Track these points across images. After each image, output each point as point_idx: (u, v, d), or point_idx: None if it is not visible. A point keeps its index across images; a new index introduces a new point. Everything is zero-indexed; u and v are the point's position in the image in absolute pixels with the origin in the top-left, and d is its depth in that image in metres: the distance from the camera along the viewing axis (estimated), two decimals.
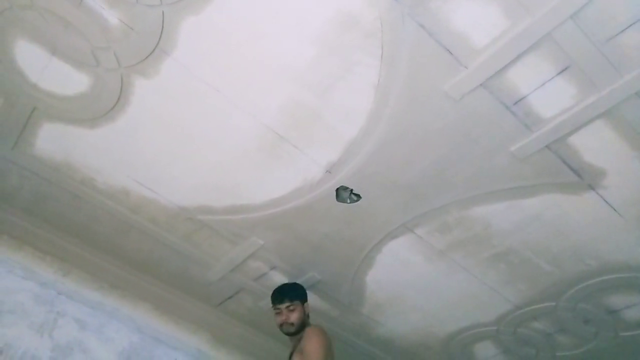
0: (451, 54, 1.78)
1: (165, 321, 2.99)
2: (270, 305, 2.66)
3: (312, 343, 2.38)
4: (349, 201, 2.37)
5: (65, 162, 2.41)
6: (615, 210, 2.22)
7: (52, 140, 2.33)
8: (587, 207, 2.23)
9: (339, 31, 1.78)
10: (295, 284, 2.76)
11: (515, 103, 1.90)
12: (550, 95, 1.85)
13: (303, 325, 2.55)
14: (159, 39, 1.88)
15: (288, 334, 2.58)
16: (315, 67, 1.90)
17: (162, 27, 1.84)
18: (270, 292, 2.68)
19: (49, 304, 2.61)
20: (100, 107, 2.15)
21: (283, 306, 2.57)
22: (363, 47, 1.81)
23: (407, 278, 2.77)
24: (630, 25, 1.63)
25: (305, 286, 2.88)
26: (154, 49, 1.91)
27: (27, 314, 2.52)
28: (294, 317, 2.54)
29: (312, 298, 2.98)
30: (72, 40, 1.92)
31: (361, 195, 2.35)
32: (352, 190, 2.33)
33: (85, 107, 2.17)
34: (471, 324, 3.00)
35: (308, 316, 2.62)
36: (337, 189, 2.33)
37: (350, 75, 1.90)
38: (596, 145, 1.99)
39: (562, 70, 1.78)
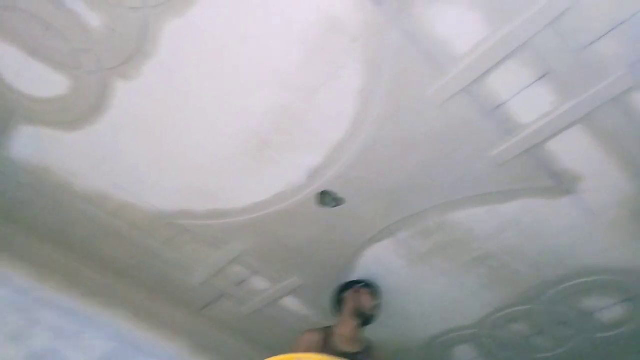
0: (433, 59, 1.80)
1: (145, 327, 2.93)
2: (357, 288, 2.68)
3: None
4: (331, 206, 2.37)
5: (42, 165, 2.35)
6: (591, 214, 2.28)
7: (29, 143, 2.28)
8: (564, 211, 2.28)
9: (324, 35, 1.79)
10: None
11: (496, 108, 1.94)
12: (529, 101, 1.90)
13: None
14: (142, 41, 1.86)
15: (367, 322, 2.61)
16: (300, 71, 1.90)
17: (145, 29, 1.82)
18: (251, 297, 2.66)
19: (24, 311, 2.53)
20: (79, 110, 2.11)
21: (378, 296, 2.69)
22: (347, 51, 1.82)
23: (388, 282, 2.78)
24: (606, 33, 1.68)
25: (287, 291, 2.88)
26: (136, 52, 1.89)
27: (1, 323, 2.44)
28: None
29: (293, 303, 2.98)
30: (52, 41, 1.88)
31: (344, 200, 2.35)
32: (335, 194, 2.34)
33: (64, 110, 2.12)
34: (451, 327, 3.03)
35: None
36: (320, 194, 2.33)
37: (334, 79, 1.91)
38: (573, 150, 2.04)
39: (541, 77, 1.82)
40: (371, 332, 3.10)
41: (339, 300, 2.71)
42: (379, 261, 2.67)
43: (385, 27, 1.74)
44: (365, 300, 2.61)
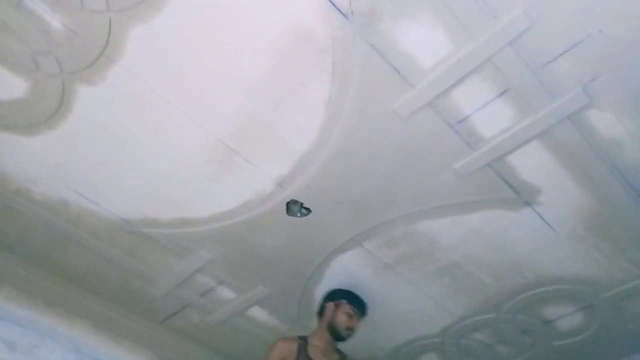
0: (400, 73, 1.84)
1: (105, 339, 2.85)
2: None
3: None
4: (299, 215, 2.37)
5: None
6: (549, 225, 2.35)
7: None
8: (524, 222, 2.35)
9: (292, 46, 1.80)
10: None
11: (459, 122, 1.99)
12: (490, 116, 1.95)
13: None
14: (105, 45, 1.82)
15: (339, 339, 2.54)
16: (268, 80, 1.90)
17: (109, 33, 1.79)
18: (216, 308, 2.61)
19: None
20: (39, 114, 2.05)
21: (360, 316, 2.60)
22: (315, 63, 1.84)
23: (355, 292, 2.79)
24: (562, 53, 1.75)
25: (253, 301, 2.85)
26: (99, 56, 1.85)
27: None
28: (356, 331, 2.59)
29: (260, 313, 2.95)
30: (9, 42, 1.82)
31: (311, 209, 2.36)
32: (302, 204, 2.34)
33: (22, 113, 2.05)
34: (417, 336, 3.06)
35: None
36: (288, 203, 2.33)
37: (302, 89, 1.92)
38: (532, 164, 2.11)
39: (502, 93, 1.88)
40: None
41: (322, 306, 2.64)
42: (345, 271, 2.68)
43: (353, 41, 1.76)
44: (342, 318, 2.53)
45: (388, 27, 1.72)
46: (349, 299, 2.60)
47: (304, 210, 2.36)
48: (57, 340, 2.66)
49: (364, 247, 2.55)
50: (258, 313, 2.95)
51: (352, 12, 1.69)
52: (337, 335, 2.52)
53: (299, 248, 2.56)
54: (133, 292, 2.83)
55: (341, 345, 2.60)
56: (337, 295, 2.63)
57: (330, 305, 2.59)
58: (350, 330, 2.54)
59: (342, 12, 1.69)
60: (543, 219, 2.33)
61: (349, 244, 2.53)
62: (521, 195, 2.24)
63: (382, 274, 2.68)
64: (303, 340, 2.48)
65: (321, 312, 2.62)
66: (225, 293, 2.82)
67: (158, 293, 2.81)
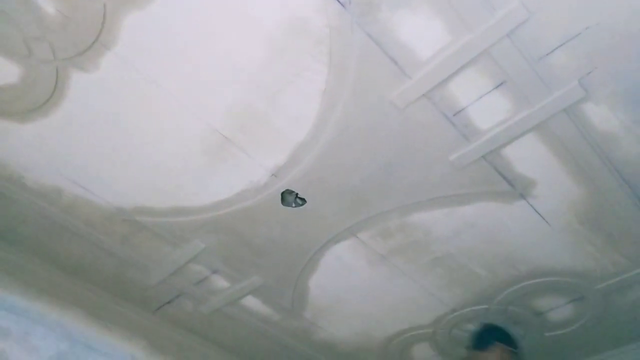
0: (397, 64, 1.83)
1: (98, 327, 2.84)
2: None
3: None
4: (294, 205, 2.37)
5: None
6: (543, 218, 2.37)
7: None
8: (518, 215, 2.36)
9: (289, 35, 1.78)
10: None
11: (455, 114, 1.99)
12: (487, 108, 1.95)
13: None
14: (100, 32, 1.79)
15: None
16: (265, 70, 1.89)
17: (104, 19, 1.76)
18: (210, 297, 2.61)
19: None
20: (32, 100, 2.02)
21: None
22: (312, 52, 1.82)
23: (349, 282, 2.81)
24: (559, 46, 1.75)
25: (247, 290, 2.85)
26: (93, 42, 1.82)
27: None
28: None
29: (253, 302, 2.96)
30: (1, 27, 1.79)
31: (306, 200, 2.36)
32: (297, 194, 2.34)
33: (14, 100, 2.02)
34: (409, 327, 3.08)
35: None
36: (283, 193, 2.33)
37: (299, 79, 1.91)
38: (528, 157, 2.12)
39: (498, 85, 1.88)
40: (332, 332, 3.13)
41: (486, 339, 2.74)
42: (340, 261, 2.69)
43: (350, 30, 1.74)
44: None
45: (386, 17, 1.71)
46: (516, 350, 2.74)
47: (298, 201, 2.36)
48: (49, 328, 2.65)
49: (358, 238, 2.55)
50: (252, 302, 2.95)
51: (349, 2, 1.67)
52: None
53: (294, 238, 2.56)
54: (127, 281, 2.82)
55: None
56: (506, 340, 2.74)
57: (499, 346, 2.69)
58: None
59: (339, 1, 1.68)
60: (537, 211, 2.34)
61: (343, 234, 2.53)
62: (516, 188, 2.25)
63: (376, 265, 2.69)
64: None
65: (481, 342, 2.75)
66: (219, 282, 2.82)
67: (152, 282, 2.80)
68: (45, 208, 2.43)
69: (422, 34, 1.75)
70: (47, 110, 2.06)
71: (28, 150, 2.21)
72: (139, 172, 2.28)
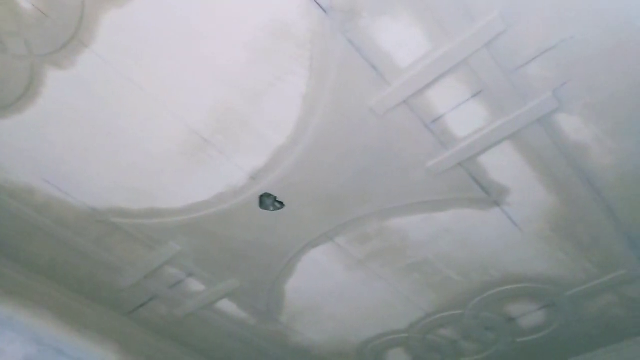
0: (377, 70, 1.85)
1: (68, 330, 2.78)
2: None
3: None
4: (272, 209, 2.37)
5: None
6: (516, 225, 2.42)
7: None
8: (492, 222, 2.41)
9: (270, 39, 1.78)
10: None
11: (433, 121, 2.01)
12: (464, 116, 1.99)
13: None
14: (77, 29, 1.76)
15: None
16: (246, 73, 1.88)
17: (82, 16, 1.73)
18: (185, 300, 2.57)
19: None
20: (5, 97, 1.97)
21: None
22: (294, 56, 1.83)
23: (325, 286, 2.81)
24: (534, 58, 1.80)
25: (222, 294, 2.83)
26: (70, 40, 1.79)
27: None
28: None
29: (229, 306, 2.93)
30: None
31: (284, 204, 2.35)
32: (275, 197, 2.33)
33: None
34: (384, 331, 3.10)
35: None
36: (261, 196, 2.32)
37: (280, 83, 1.91)
38: (502, 165, 2.16)
39: (476, 94, 1.92)
40: (307, 336, 3.13)
41: None
42: (317, 265, 2.69)
43: (332, 36, 1.76)
44: None
45: (367, 24, 1.72)
46: None
47: (277, 204, 2.35)
48: (16, 331, 2.58)
49: (335, 243, 2.56)
50: (227, 306, 2.93)
51: (332, 8, 1.69)
52: None
53: (271, 242, 2.55)
54: (99, 283, 2.77)
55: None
56: None
57: None
58: None
59: (322, 7, 1.69)
60: (511, 219, 2.39)
61: (321, 238, 2.54)
62: (491, 195, 2.29)
63: (353, 269, 2.70)
64: None
65: None
66: (195, 285, 2.79)
67: (125, 284, 2.76)
68: (17, 207, 2.37)
69: (403, 42, 1.77)
70: (21, 107, 2.01)
71: (1, 148, 2.15)
72: (115, 173, 2.25)
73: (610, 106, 1.93)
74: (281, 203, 2.35)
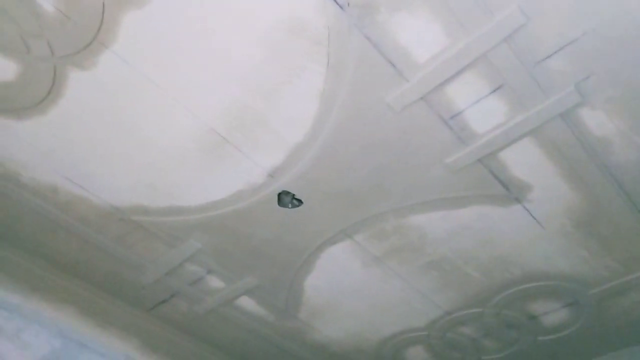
0: (394, 66, 1.84)
1: (92, 325, 2.83)
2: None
3: None
4: (290, 206, 2.37)
5: None
6: (538, 222, 2.38)
7: None
8: (513, 218, 2.37)
9: (287, 36, 1.79)
10: None
11: (452, 117, 1.99)
12: (484, 112, 1.96)
13: None
14: (98, 30, 1.79)
15: None
16: (263, 70, 1.89)
17: (102, 18, 1.76)
18: (205, 297, 2.58)
19: None
20: (29, 98, 2.02)
21: None
22: (310, 53, 1.83)
23: (344, 284, 2.81)
24: (556, 51, 1.76)
25: (242, 291, 2.85)
26: (92, 41, 1.82)
27: None
28: None
29: (248, 303, 2.96)
30: None
31: (303, 201, 2.36)
32: (294, 195, 2.34)
33: (11, 97, 2.02)
34: (403, 329, 3.09)
35: None
36: (279, 194, 2.33)
37: (296, 80, 1.91)
38: (524, 161, 2.13)
39: (496, 89, 1.89)
40: (326, 333, 3.13)
41: None
42: (335, 262, 2.69)
43: (348, 32, 1.75)
44: None
45: (384, 19, 1.71)
46: None
47: (295, 202, 2.36)
48: (42, 325, 2.64)
49: (354, 240, 2.55)
50: (246, 303, 2.95)
51: (348, 4, 1.68)
52: None
53: (289, 239, 2.56)
54: (122, 280, 2.81)
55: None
56: None
57: None
58: None
59: (338, 3, 1.68)
60: (532, 215, 2.35)
61: (339, 236, 2.53)
62: (511, 191, 2.26)
63: (371, 267, 2.70)
64: None
65: None
66: (214, 282, 2.82)
67: (147, 281, 2.80)
68: (41, 206, 2.42)
69: (421, 37, 1.76)
70: (44, 108, 2.06)
71: (25, 148, 2.21)
72: (135, 171, 2.28)
73: (634, 100, 1.88)
74: (299, 200, 2.36)
